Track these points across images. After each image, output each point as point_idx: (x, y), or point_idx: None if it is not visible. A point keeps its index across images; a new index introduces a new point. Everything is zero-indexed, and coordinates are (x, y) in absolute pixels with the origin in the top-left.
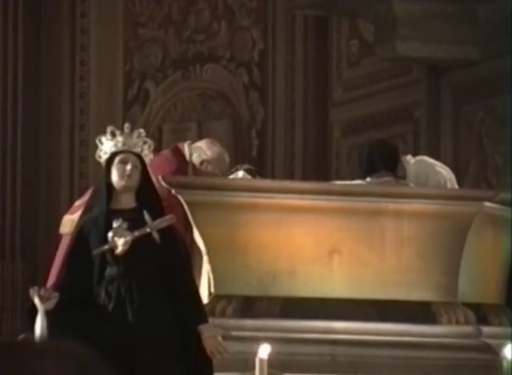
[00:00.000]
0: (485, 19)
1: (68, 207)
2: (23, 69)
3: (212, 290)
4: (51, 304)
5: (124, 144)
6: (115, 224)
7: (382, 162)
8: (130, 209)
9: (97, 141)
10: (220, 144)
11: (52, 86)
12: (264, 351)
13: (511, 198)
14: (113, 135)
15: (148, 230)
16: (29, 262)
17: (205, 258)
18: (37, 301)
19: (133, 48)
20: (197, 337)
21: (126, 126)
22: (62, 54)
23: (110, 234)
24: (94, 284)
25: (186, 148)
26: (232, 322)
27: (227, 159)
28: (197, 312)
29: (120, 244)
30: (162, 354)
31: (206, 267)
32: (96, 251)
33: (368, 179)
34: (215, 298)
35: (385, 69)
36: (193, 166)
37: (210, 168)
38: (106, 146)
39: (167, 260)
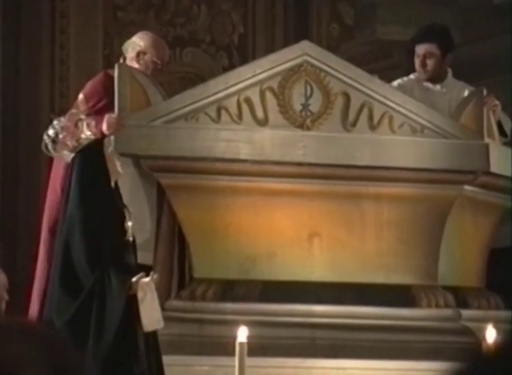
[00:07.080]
0: (465, 3)
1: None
2: (3, 54)
3: (192, 274)
4: None
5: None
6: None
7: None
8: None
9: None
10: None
11: (32, 68)
12: (242, 334)
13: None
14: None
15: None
16: (8, 242)
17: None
18: (152, 285)
19: (113, 32)
20: None
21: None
22: (42, 37)
23: (129, 224)
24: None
25: (116, 69)
26: (213, 305)
27: (165, 46)
28: None
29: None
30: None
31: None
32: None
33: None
34: (195, 281)
35: (365, 53)
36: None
37: (148, 58)
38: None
39: None
